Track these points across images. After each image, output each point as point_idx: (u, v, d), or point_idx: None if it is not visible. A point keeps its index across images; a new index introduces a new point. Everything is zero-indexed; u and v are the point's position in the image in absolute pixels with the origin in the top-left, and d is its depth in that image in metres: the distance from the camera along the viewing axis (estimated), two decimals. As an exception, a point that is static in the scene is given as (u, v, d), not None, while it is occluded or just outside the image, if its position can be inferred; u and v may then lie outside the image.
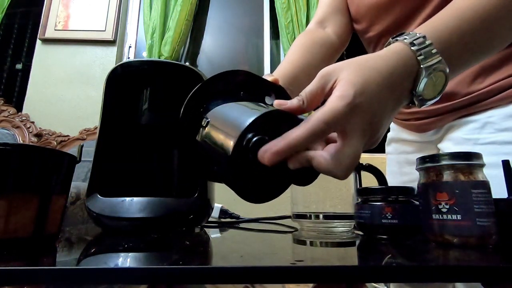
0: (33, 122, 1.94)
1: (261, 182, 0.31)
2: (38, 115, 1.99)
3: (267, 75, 0.42)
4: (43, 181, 0.35)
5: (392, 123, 0.74)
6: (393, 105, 0.31)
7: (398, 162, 0.72)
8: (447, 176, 0.33)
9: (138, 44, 2.28)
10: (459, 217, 0.32)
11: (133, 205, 0.46)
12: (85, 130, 1.92)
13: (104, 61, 2.12)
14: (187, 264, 0.25)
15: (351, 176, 0.48)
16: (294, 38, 2.06)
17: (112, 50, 2.15)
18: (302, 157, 0.29)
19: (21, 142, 1.82)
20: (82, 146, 0.47)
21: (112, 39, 2.13)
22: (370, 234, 0.42)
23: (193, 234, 0.48)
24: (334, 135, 0.31)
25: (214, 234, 0.51)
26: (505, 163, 0.35)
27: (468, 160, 0.33)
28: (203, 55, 2.33)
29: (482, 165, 0.34)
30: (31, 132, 1.89)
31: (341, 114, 0.27)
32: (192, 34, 2.30)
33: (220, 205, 0.71)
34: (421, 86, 0.31)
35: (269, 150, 0.27)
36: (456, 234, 0.32)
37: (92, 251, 0.36)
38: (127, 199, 0.47)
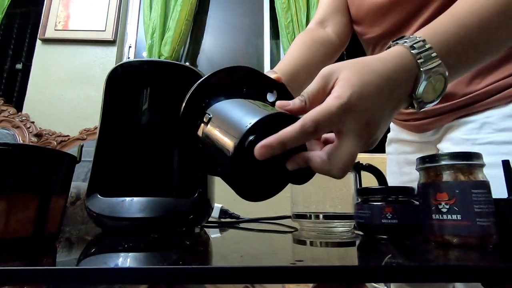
0: (33, 122, 1.94)
1: (259, 181, 0.31)
2: (38, 115, 1.98)
3: (270, 71, 0.42)
4: (43, 181, 0.35)
5: (392, 123, 0.74)
6: (391, 108, 0.31)
7: (398, 162, 0.72)
8: (447, 176, 0.33)
9: (138, 44, 2.27)
10: (459, 217, 0.32)
11: (133, 205, 0.46)
12: (85, 130, 1.92)
13: (104, 61, 2.12)
14: (187, 264, 0.25)
15: (351, 176, 0.48)
16: (294, 38, 2.05)
17: (112, 50, 2.15)
18: (300, 158, 0.29)
19: (21, 142, 1.82)
20: (82, 146, 0.47)
21: (112, 39, 2.13)
22: (370, 234, 0.42)
23: (193, 234, 0.48)
24: (332, 136, 0.31)
25: (214, 234, 0.51)
26: (505, 163, 0.35)
27: (468, 160, 0.33)
28: (203, 55, 2.33)
29: (482, 165, 0.34)
30: (31, 132, 1.89)
31: (334, 114, 0.27)
32: (192, 34, 2.30)
33: (220, 205, 0.71)
34: (421, 89, 0.31)
35: (260, 144, 0.27)
36: (456, 234, 0.32)
37: (92, 251, 0.36)
38: (127, 199, 0.47)
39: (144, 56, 2.17)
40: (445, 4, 0.50)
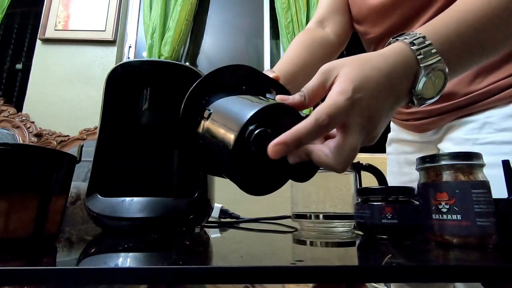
0: (33, 122, 1.94)
1: (261, 175, 0.31)
2: (38, 115, 1.98)
3: (268, 70, 0.42)
4: (43, 181, 0.35)
5: (392, 123, 0.74)
6: (392, 103, 0.31)
7: (398, 162, 0.72)
8: (447, 176, 0.33)
9: (138, 44, 2.27)
10: (459, 217, 0.32)
11: (133, 205, 0.46)
12: (85, 130, 1.92)
13: (104, 61, 2.12)
14: (187, 264, 0.25)
15: (351, 176, 0.48)
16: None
17: (112, 50, 2.15)
18: (302, 151, 0.29)
19: (21, 142, 1.82)
20: (82, 146, 0.47)
21: (112, 39, 2.13)
22: (370, 234, 0.42)
23: (193, 234, 0.48)
24: (334, 131, 0.31)
25: (214, 234, 0.51)
26: (505, 163, 0.35)
27: (468, 160, 0.33)
28: (203, 55, 2.33)
29: (482, 165, 0.34)
30: (31, 132, 1.89)
31: (342, 108, 0.28)
32: (192, 34, 2.30)
33: (220, 205, 0.71)
34: (420, 85, 0.31)
35: (274, 142, 0.27)
36: (456, 234, 0.32)
37: (92, 251, 0.36)
38: (127, 199, 0.47)
39: (144, 56, 2.17)
40: (447, 3, 0.50)
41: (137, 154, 0.52)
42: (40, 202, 0.34)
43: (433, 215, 0.33)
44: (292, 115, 0.30)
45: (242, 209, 0.77)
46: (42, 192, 0.35)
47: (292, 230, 0.53)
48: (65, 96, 2.05)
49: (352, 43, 0.73)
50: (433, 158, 0.35)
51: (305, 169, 0.32)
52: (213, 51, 2.35)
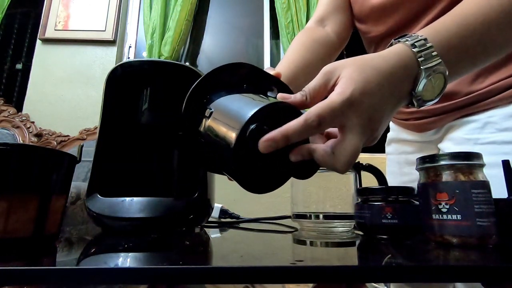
0: (33, 122, 1.94)
1: (262, 173, 0.31)
2: (38, 115, 1.98)
3: (269, 68, 0.42)
4: (43, 181, 0.35)
5: (392, 123, 0.74)
6: (392, 104, 0.32)
7: (398, 162, 0.72)
8: (447, 176, 0.33)
9: (138, 44, 2.27)
10: (459, 217, 0.32)
11: (133, 205, 0.46)
12: (85, 130, 1.92)
13: (104, 61, 2.12)
14: (187, 264, 0.25)
15: (351, 176, 0.48)
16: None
17: (112, 50, 2.15)
18: (304, 149, 0.30)
19: (21, 142, 1.82)
20: (82, 146, 0.47)
21: (112, 39, 2.13)
22: (370, 234, 0.42)
23: (193, 234, 0.48)
24: (335, 130, 0.31)
25: (214, 234, 0.51)
26: (505, 163, 0.35)
27: (468, 160, 0.33)
28: (203, 55, 2.33)
29: (482, 165, 0.34)
30: (31, 132, 1.89)
31: (337, 109, 0.28)
32: (192, 34, 2.29)
33: (220, 205, 0.71)
34: (420, 87, 0.32)
35: (264, 138, 0.28)
36: (456, 234, 0.32)
37: (92, 251, 0.36)
38: (127, 199, 0.47)
39: (144, 56, 2.17)
40: (450, 4, 0.50)
41: (137, 154, 0.52)
42: (40, 202, 0.34)
43: (433, 215, 0.33)
44: (292, 113, 0.30)
45: (242, 209, 0.77)
46: (42, 192, 0.35)
47: (292, 230, 0.53)
48: (65, 96, 2.05)
49: (352, 43, 0.73)
50: (433, 158, 0.35)
51: (306, 167, 0.32)
52: (213, 51, 2.35)
